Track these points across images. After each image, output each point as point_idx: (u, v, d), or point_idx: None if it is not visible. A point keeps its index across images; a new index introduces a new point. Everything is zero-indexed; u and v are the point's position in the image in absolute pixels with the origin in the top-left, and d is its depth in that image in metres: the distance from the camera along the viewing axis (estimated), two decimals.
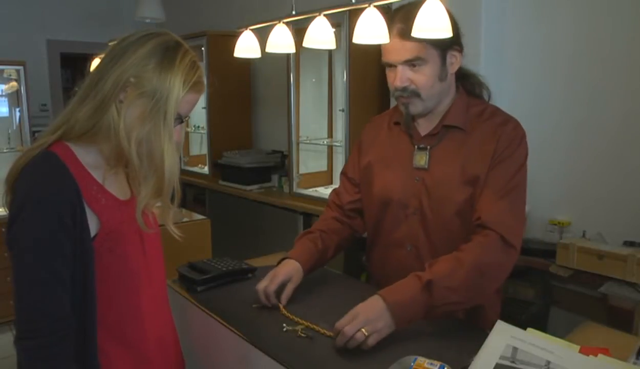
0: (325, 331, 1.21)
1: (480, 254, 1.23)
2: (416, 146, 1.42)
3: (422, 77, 1.34)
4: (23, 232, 0.94)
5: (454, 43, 1.35)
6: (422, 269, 1.27)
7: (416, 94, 1.35)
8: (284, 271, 1.39)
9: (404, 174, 1.43)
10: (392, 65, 1.36)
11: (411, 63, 1.33)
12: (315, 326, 1.23)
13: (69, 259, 0.96)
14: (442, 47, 1.33)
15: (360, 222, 1.58)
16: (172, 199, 1.10)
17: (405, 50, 1.32)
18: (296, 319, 1.27)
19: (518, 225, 1.30)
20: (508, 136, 1.34)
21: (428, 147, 1.41)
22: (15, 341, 0.94)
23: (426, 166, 1.39)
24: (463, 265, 1.22)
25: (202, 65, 3.78)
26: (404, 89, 1.35)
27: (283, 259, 1.45)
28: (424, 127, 1.44)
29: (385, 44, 1.36)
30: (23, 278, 0.94)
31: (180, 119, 1.07)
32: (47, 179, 0.97)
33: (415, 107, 1.38)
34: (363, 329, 1.11)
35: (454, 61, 1.37)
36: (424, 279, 1.19)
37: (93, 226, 1.00)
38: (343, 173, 1.63)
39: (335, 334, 1.14)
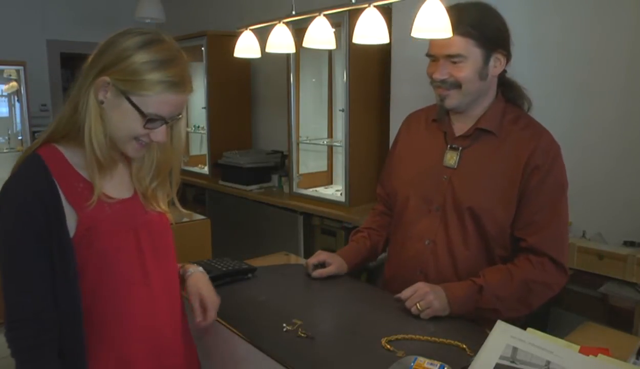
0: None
1: (530, 272, 1.33)
2: (449, 145, 1.44)
3: (462, 72, 1.36)
4: None
5: (500, 46, 1.37)
6: (437, 264, 1.37)
7: (456, 86, 1.38)
8: (329, 254, 1.57)
9: (432, 170, 1.45)
10: (435, 58, 1.39)
11: (452, 58, 1.35)
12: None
13: (45, 253, 0.99)
14: (487, 47, 1.35)
15: None
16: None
17: (449, 45, 1.35)
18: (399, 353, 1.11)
19: (566, 245, 1.38)
20: (543, 150, 1.35)
21: (460, 148, 1.43)
22: (5, 333, 0.98)
23: (455, 166, 1.42)
24: (513, 279, 1.33)
25: (202, 65, 3.79)
26: (444, 81, 1.38)
27: None
28: (459, 128, 1.46)
29: None
30: (2, 273, 0.99)
31: (163, 120, 1.04)
32: (22, 180, 1.01)
33: (452, 100, 1.40)
34: (418, 304, 1.28)
35: (498, 65, 1.39)
36: (478, 284, 1.32)
37: (72, 222, 1.01)
38: (385, 163, 1.69)
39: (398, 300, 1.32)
